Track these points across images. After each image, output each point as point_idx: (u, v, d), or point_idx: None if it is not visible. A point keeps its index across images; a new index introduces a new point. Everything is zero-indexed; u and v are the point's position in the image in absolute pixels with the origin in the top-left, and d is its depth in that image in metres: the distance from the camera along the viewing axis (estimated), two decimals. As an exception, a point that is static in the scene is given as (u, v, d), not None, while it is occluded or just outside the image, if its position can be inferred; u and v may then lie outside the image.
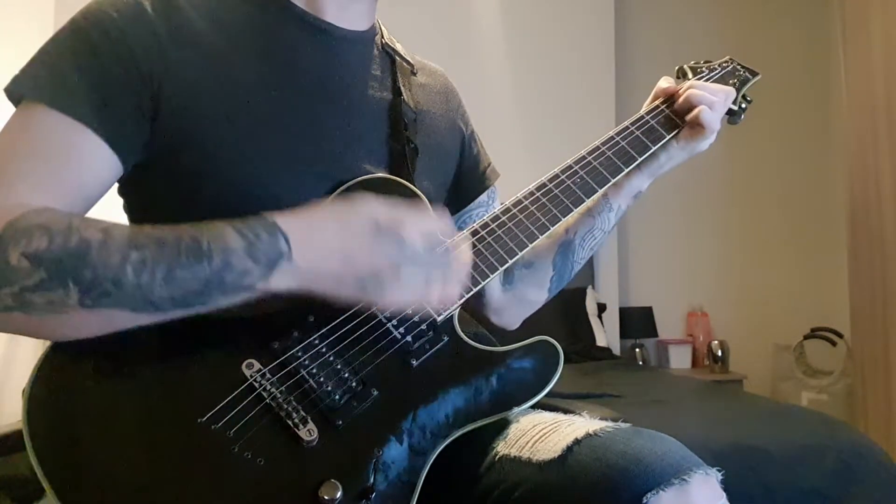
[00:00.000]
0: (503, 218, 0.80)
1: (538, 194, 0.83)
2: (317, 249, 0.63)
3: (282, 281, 0.62)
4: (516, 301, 0.98)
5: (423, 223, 0.67)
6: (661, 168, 0.93)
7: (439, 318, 0.73)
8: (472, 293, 0.75)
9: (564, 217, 0.82)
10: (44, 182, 0.65)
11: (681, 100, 0.90)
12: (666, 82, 0.95)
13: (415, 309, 0.69)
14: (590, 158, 0.86)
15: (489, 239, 0.78)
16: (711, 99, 0.88)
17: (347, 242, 0.64)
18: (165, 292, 0.59)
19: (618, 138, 0.88)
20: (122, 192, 0.77)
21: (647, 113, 0.91)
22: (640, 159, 0.87)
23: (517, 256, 0.78)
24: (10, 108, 0.69)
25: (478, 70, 3.08)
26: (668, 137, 0.89)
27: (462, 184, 0.95)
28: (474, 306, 0.98)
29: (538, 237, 0.80)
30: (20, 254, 0.57)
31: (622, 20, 3.43)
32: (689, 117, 0.90)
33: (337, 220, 0.65)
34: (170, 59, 0.70)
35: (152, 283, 0.58)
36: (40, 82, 0.67)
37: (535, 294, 0.98)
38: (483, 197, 0.98)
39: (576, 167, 0.85)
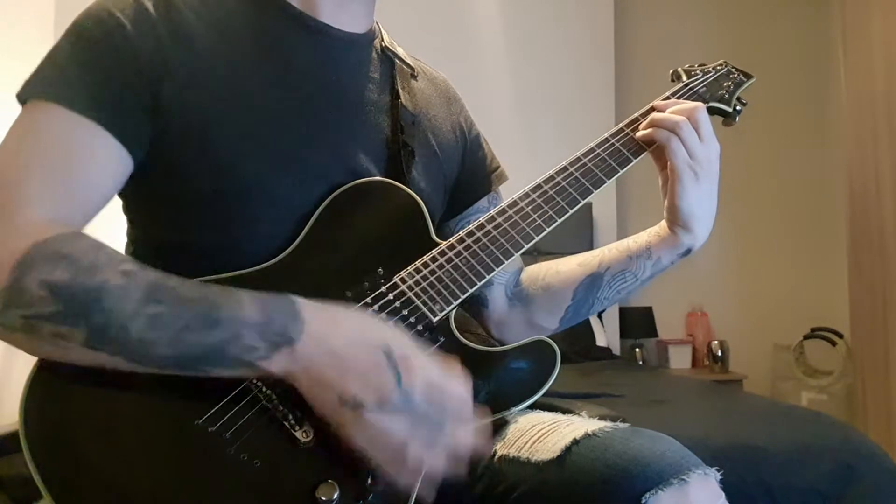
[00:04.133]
0: (499, 220, 0.80)
1: (534, 196, 0.83)
2: (322, 348, 0.60)
3: (279, 364, 0.60)
4: (524, 322, 0.94)
5: (439, 373, 0.62)
6: (684, 217, 0.86)
7: (435, 319, 0.72)
8: (469, 293, 0.75)
9: (560, 219, 0.82)
10: (60, 181, 0.65)
11: (643, 133, 0.86)
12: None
13: (379, 459, 0.60)
14: (585, 160, 0.86)
15: (484, 240, 0.78)
16: (670, 129, 0.83)
17: (352, 355, 0.60)
18: (167, 352, 0.58)
19: (612, 139, 0.88)
20: (121, 192, 0.77)
21: (643, 115, 0.91)
22: (635, 160, 0.87)
23: (512, 257, 0.78)
24: (13, 114, 0.69)
25: (477, 70, 3.08)
26: (634, 161, 0.87)
27: (462, 187, 0.95)
28: (476, 316, 0.97)
29: (534, 238, 0.80)
30: (41, 280, 0.57)
31: (622, 20, 3.43)
32: (659, 163, 0.87)
33: (354, 327, 0.62)
34: (170, 60, 0.70)
35: (157, 341, 0.58)
36: (47, 82, 0.68)
37: (546, 320, 0.93)
38: (483, 202, 0.97)
39: (571, 168, 0.85)
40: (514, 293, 0.96)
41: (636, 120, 0.90)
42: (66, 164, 0.66)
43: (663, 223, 0.90)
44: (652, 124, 0.86)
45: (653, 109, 0.89)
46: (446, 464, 0.61)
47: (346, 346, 0.61)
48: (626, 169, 0.86)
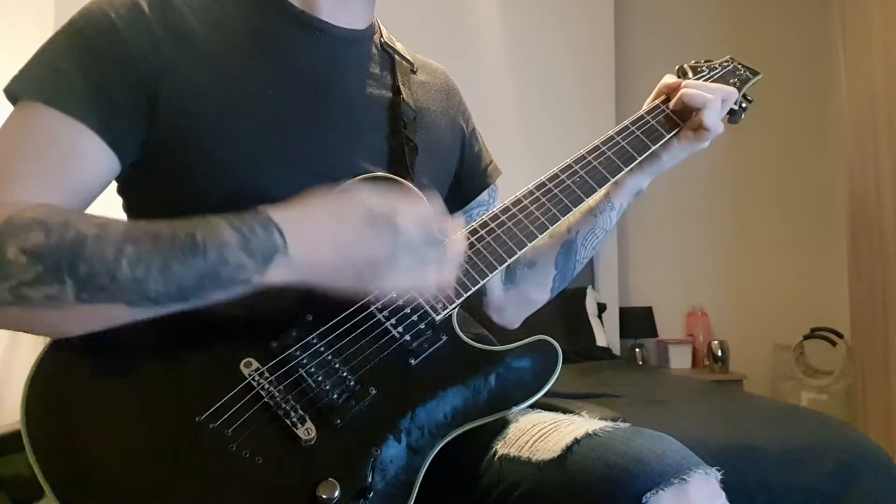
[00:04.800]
0: (503, 217, 0.80)
1: (538, 193, 0.83)
2: (312, 241, 0.63)
3: (278, 274, 0.62)
4: (518, 300, 0.99)
5: (417, 211, 0.68)
6: (662, 167, 0.93)
7: (438, 318, 0.73)
8: (471, 291, 0.75)
9: (564, 216, 0.82)
10: (42, 180, 0.65)
11: (674, 100, 0.90)
12: (671, 78, 0.94)
13: (412, 296, 0.70)
14: (590, 158, 0.86)
15: (489, 238, 0.78)
16: (706, 98, 0.87)
17: (342, 233, 0.64)
18: (161, 286, 0.59)
19: (618, 138, 0.88)
20: (121, 191, 0.77)
21: (648, 112, 0.91)
22: (639, 158, 0.87)
23: (516, 255, 0.78)
24: (8, 109, 0.69)
25: (477, 69, 3.08)
26: (667, 137, 0.89)
27: (463, 182, 0.95)
28: (475, 305, 0.97)
29: (537, 236, 0.80)
30: (18, 248, 0.57)
31: (622, 20, 3.43)
32: (690, 122, 0.89)
33: (331, 212, 0.66)
34: (167, 60, 0.70)
35: (147, 277, 0.58)
36: (38, 81, 0.68)
37: (537, 293, 0.98)
38: (484, 195, 0.98)
39: (576, 167, 0.85)
40: (506, 277, 0.98)
41: (642, 117, 0.91)
42: (51, 164, 0.66)
43: None
44: (686, 92, 0.89)
45: (658, 106, 0.92)
46: (458, 267, 0.71)
47: (332, 230, 0.64)
48: (627, 169, 0.87)
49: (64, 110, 0.66)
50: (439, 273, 0.68)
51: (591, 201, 0.94)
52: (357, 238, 0.64)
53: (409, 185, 0.79)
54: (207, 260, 0.60)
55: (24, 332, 0.63)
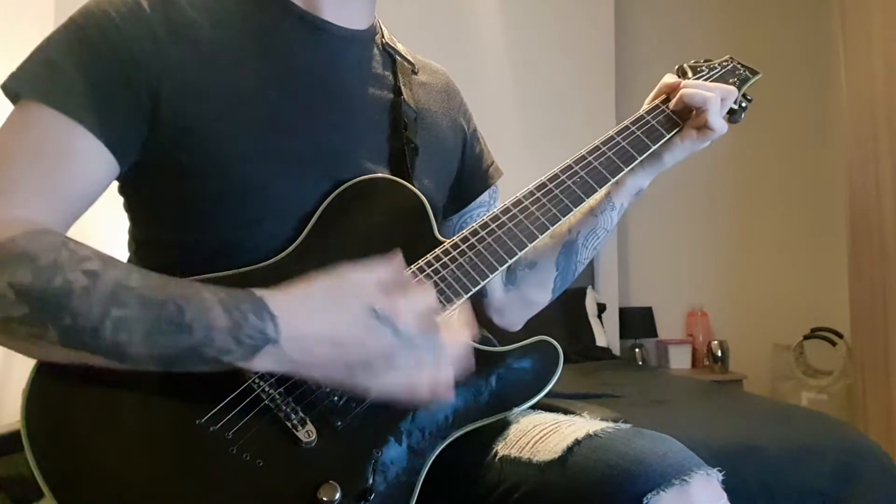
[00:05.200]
0: (503, 218, 0.80)
1: (538, 194, 0.82)
2: (306, 336, 0.60)
3: (264, 363, 0.59)
4: (520, 302, 0.98)
5: (419, 302, 0.64)
6: (662, 166, 0.93)
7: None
8: (472, 292, 0.75)
9: (564, 217, 0.82)
10: (41, 183, 0.65)
11: (674, 100, 0.90)
12: (671, 77, 0.94)
13: (405, 398, 0.63)
14: (590, 158, 0.86)
15: (489, 239, 0.78)
16: (706, 97, 0.87)
17: (340, 329, 0.60)
18: (143, 352, 0.58)
19: (618, 138, 0.88)
20: (121, 190, 0.77)
21: (648, 112, 0.91)
22: (639, 158, 0.87)
23: (517, 256, 0.78)
24: (7, 106, 0.69)
25: (477, 69, 3.08)
26: (668, 136, 0.89)
27: (463, 182, 0.95)
28: (477, 307, 0.97)
29: (538, 236, 0.80)
30: (6, 283, 0.57)
31: (622, 20, 3.43)
32: (693, 121, 0.89)
33: (330, 304, 0.62)
34: (168, 59, 0.70)
35: (129, 342, 0.57)
36: (38, 81, 0.67)
37: (539, 295, 0.98)
38: (484, 196, 0.98)
39: (576, 167, 0.85)
40: (507, 279, 0.97)
41: (642, 117, 0.91)
42: (49, 166, 0.66)
43: None
44: (686, 93, 0.89)
45: (658, 106, 0.92)
46: (456, 369, 0.65)
47: (332, 326, 0.60)
48: (627, 169, 0.87)
49: (63, 111, 0.66)
50: (436, 374, 0.63)
51: (591, 201, 0.93)
52: (355, 336, 0.60)
53: (419, 195, 0.79)
54: (193, 338, 0.58)
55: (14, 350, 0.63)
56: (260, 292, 0.61)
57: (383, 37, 0.88)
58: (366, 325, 0.61)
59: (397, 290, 0.63)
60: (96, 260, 0.59)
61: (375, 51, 0.86)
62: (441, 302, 0.72)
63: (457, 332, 0.67)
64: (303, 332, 0.60)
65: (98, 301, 0.57)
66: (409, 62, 0.90)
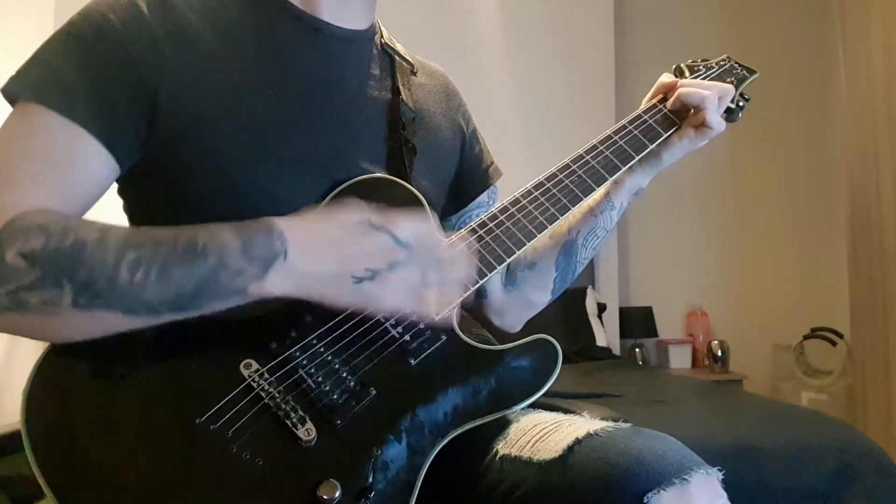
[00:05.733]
0: (501, 217, 0.80)
1: (536, 193, 0.83)
2: (312, 249, 0.63)
3: (276, 283, 0.61)
4: (519, 303, 0.98)
5: (417, 222, 0.67)
6: (661, 165, 0.93)
7: (437, 317, 0.72)
8: (470, 292, 0.75)
9: (563, 216, 0.82)
10: (41, 185, 0.65)
11: (672, 99, 0.90)
12: (668, 77, 0.94)
13: (412, 311, 0.67)
14: (588, 157, 0.86)
15: (487, 238, 0.78)
16: (704, 95, 0.87)
17: (343, 242, 0.64)
18: (159, 292, 0.59)
19: (616, 137, 0.88)
20: (121, 192, 0.77)
21: (645, 111, 0.91)
22: (637, 158, 0.88)
23: (515, 255, 0.78)
24: (6, 108, 0.69)
25: (477, 69, 3.08)
26: (665, 135, 0.90)
27: (462, 183, 0.95)
28: (475, 308, 0.97)
29: (536, 235, 0.80)
30: (16, 252, 0.57)
31: (622, 20, 3.43)
32: (691, 120, 0.89)
33: (331, 221, 0.65)
34: (166, 61, 0.70)
35: (146, 282, 0.58)
36: (38, 83, 0.67)
37: (538, 296, 0.98)
38: (483, 196, 0.98)
39: (574, 166, 0.85)
40: (506, 279, 0.97)
41: (640, 116, 0.91)
42: (49, 168, 0.66)
43: None
44: (683, 92, 0.89)
45: (656, 105, 0.92)
46: (461, 282, 0.69)
47: (332, 236, 0.64)
48: (625, 168, 0.87)
49: (63, 113, 0.66)
50: (441, 285, 0.67)
51: (590, 201, 0.93)
52: (357, 246, 0.63)
53: (417, 195, 0.79)
54: (207, 264, 0.60)
55: (22, 335, 0.63)
56: (267, 218, 0.63)
57: (382, 37, 0.88)
58: (364, 233, 0.64)
59: (392, 213, 0.66)
60: (104, 223, 0.62)
61: (374, 51, 0.86)
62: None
63: (455, 247, 0.71)
64: (308, 246, 0.63)
65: (112, 248, 0.59)
66: (408, 62, 0.90)
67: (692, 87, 0.89)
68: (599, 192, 0.92)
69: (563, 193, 0.83)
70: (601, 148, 0.87)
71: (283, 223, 0.63)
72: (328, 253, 0.63)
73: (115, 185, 0.75)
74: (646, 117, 0.90)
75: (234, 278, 0.60)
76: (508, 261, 0.78)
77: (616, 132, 0.89)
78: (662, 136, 0.89)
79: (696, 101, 0.88)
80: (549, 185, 0.84)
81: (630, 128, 0.89)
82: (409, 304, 0.65)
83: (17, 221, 0.60)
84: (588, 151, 0.87)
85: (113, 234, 0.60)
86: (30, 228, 0.59)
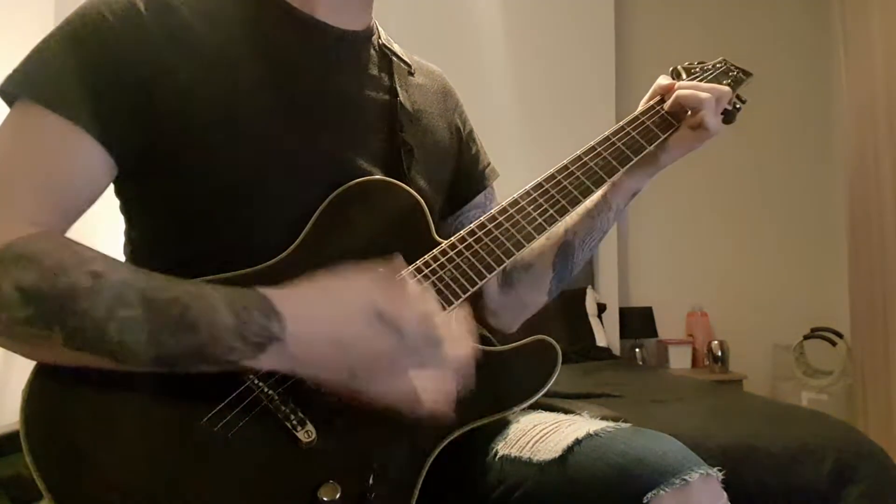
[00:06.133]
0: (500, 219, 0.80)
1: (535, 195, 0.82)
2: (311, 334, 0.60)
3: (269, 361, 0.60)
4: (515, 304, 0.97)
5: (421, 306, 0.64)
6: (658, 167, 0.93)
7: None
8: (469, 293, 0.75)
9: (561, 217, 0.82)
10: (39, 184, 0.65)
11: (669, 101, 0.90)
12: (665, 79, 0.94)
13: (406, 407, 0.63)
14: (586, 159, 0.86)
15: (486, 240, 0.78)
16: (701, 98, 0.87)
17: (343, 329, 0.61)
18: (148, 352, 0.58)
19: (614, 139, 0.88)
20: (118, 192, 0.77)
21: (643, 113, 0.91)
22: (635, 159, 0.87)
23: (514, 257, 0.78)
24: (4, 107, 0.69)
25: (477, 69, 3.08)
26: (663, 137, 0.90)
27: (459, 184, 0.95)
28: (472, 309, 0.97)
29: (535, 237, 0.80)
30: (12, 284, 0.57)
31: (622, 20, 3.43)
32: (689, 122, 0.89)
33: (335, 304, 0.62)
34: (164, 61, 0.70)
35: (136, 343, 0.57)
36: (34, 82, 0.67)
37: (535, 297, 0.97)
38: (480, 198, 0.97)
39: (572, 168, 0.85)
40: (503, 280, 0.96)
41: (638, 118, 0.91)
42: (48, 168, 0.66)
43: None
44: (681, 93, 0.89)
45: (654, 107, 0.91)
46: (458, 380, 0.65)
47: (336, 326, 0.61)
48: (623, 170, 0.87)
49: (59, 112, 0.66)
50: (439, 384, 0.63)
51: (588, 203, 0.93)
52: (358, 337, 0.61)
53: (415, 196, 0.78)
54: (198, 337, 0.58)
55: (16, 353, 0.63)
56: (264, 291, 0.61)
57: (380, 38, 0.88)
58: (369, 326, 0.61)
59: (399, 294, 0.63)
60: (100, 261, 0.60)
61: (372, 52, 0.86)
62: (440, 303, 0.72)
63: (460, 342, 0.66)
64: (307, 330, 0.60)
65: (104, 302, 0.57)
66: (405, 63, 0.89)
67: (690, 90, 0.89)
68: (597, 194, 0.92)
69: (562, 195, 0.83)
70: (599, 150, 0.87)
71: (281, 301, 0.60)
72: (327, 339, 0.60)
73: (111, 185, 0.75)
74: (643, 119, 0.90)
75: (226, 354, 0.58)
76: (508, 262, 0.77)
77: (614, 134, 0.89)
78: (660, 137, 0.89)
79: (694, 104, 0.88)
80: (547, 186, 0.83)
81: (628, 129, 0.89)
82: (403, 402, 0.62)
83: (14, 248, 0.59)
84: (586, 153, 0.87)
85: (105, 281, 0.58)
86: (24, 259, 0.58)
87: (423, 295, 0.65)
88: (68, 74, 0.67)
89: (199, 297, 0.59)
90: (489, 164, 1.00)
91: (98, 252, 0.61)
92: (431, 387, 0.63)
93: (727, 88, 0.92)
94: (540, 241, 0.88)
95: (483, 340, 0.76)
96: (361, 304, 0.61)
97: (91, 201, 0.70)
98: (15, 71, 0.68)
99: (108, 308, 0.57)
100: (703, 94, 0.87)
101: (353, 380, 0.61)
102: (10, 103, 0.69)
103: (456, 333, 0.67)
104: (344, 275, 0.63)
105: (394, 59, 0.87)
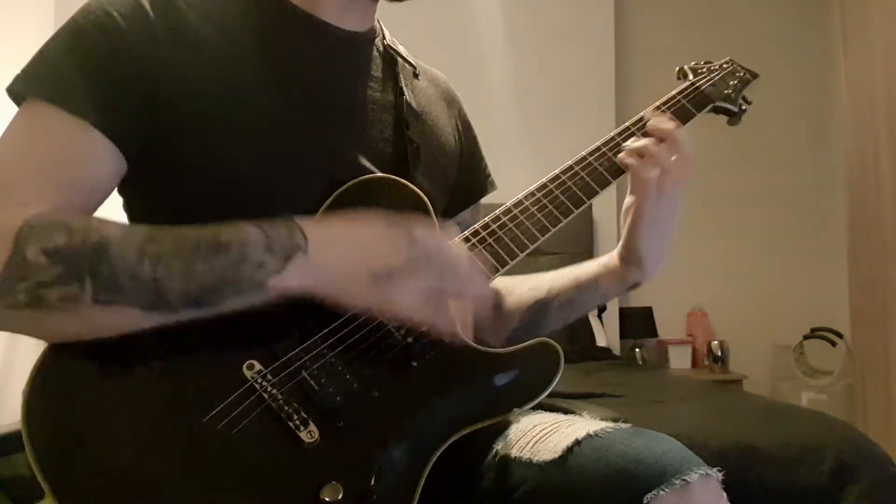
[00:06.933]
0: (504, 219, 0.80)
1: (539, 195, 0.82)
2: (332, 247, 0.64)
3: (296, 276, 0.62)
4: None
5: (435, 232, 0.67)
6: (640, 250, 0.87)
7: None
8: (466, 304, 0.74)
9: (566, 219, 0.82)
10: (51, 181, 0.65)
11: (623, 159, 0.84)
12: (665, 123, 0.86)
13: (426, 320, 0.66)
14: (591, 159, 0.86)
15: (490, 240, 0.78)
16: (656, 160, 0.81)
17: (361, 239, 0.65)
18: (180, 287, 0.59)
19: (619, 139, 0.88)
20: (121, 190, 0.77)
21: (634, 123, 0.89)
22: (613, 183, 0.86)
23: (519, 258, 0.78)
24: (10, 109, 0.69)
25: (478, 70, 3.08)
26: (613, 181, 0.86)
27: (458, 189, 0.94)
28: None
29: (539, 238, 0.80)
30: (38, 249, 0.58)
31: (622, 20, 3.43)
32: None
33: (352, 222, 0.67)
34: (168, 60, 0.70)
35: (168, 276, 0.59)
36: (42, 81, 0.68)
37: (490, 338, 0.85)
38: (465, 214, 0.95)
39: (577, 168, 0.85)
40: None
41: (627, 129, 0.88)
42: (59, 165, 0.66)
43: (614, 254, 0.90)
44: (638, 153, 0.83)
45: (642, 119, 0.88)
46: (472, 305, 0.69)
47: (351, 234, 0.65)
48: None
49: (69, 109, 0.66)
50: (458, 286, 0.66)
51: (580, 274, 0.91)
52: (376, 238, 0.65)
53: (420, 195, 0.78)
54: (229, 257, 0.61)
55: (30, 335, 0.63)
56: (288, 217, 0.65)
57: (385, 39, 0.88)
58: (384, 235, 0.65)
59: (411, 218, 0.67)
60: (125, 223, 0.63)
61: (376, 53, 0.86)
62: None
63: (476, 273, 0.70)
64: (328, 234, 0.65)
65: (135, 244, 0.59)
66: (410, 64, 0.90)
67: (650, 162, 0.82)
68: (592, 268, 0.90)
69: (567, 195, 0.82)
70: (604, 150, 0.86)
71: (305, 221, 0.65)
72: (347, 250, 0.64)
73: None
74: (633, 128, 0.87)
75: (255, 271, 0.61)
76: (511, 264, 0.77)
77: (619, 135, 0.87)
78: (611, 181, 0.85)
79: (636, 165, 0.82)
80: (551, 186, 0.82)
81: (633, 129, 0.87)
82: (424, 312, 0.65)
83: (39, 219, 0.60)
84: (591, 153, 0.85)
85: (135, 230, 0.61)
86: (52, 225, 0.60)
87: (431, 225, 0.69)
88: (75, 71, 0.67)
89: (225, 224, 0.63)
90: (489, 176, 1.00)
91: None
92: (452, 287, 0.66)
93: (681, 135, 0.84)
94: (522, 289, 0.89)
95: (486, 343, 0.76)
96: (375, 219, 0.67)
97: (103, 197, 0.70)
98: (23, 71, 0.69)
99: (140, 248, 0.59)
100: (658, 157, 0.81)
101: (375, 286, 0.63)
102: (18, 103, 0.69)
103: (473, 267, 0.70)
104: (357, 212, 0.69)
105: (399, 59, 0.87)
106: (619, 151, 0.86)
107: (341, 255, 0.64)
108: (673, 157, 0.82)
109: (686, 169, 0.83)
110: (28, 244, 0.58)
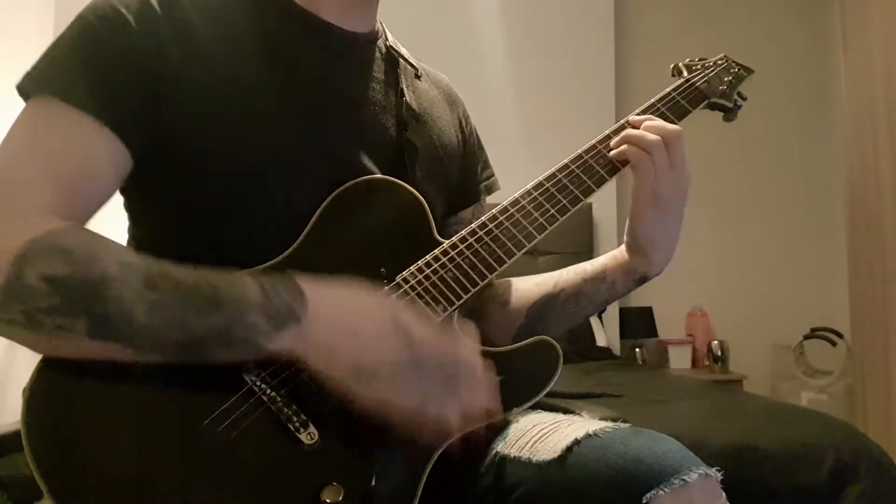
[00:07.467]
0: (501, 218, 0.80)
1: (536, 194, 0.82)
2: (330, 320, 0.62)
3: (285, 342, 0.60)
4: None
5: (452, 343, 0.64)
6: (645, 235, 0.85)
7: (438, 320, 0.71)
8: (471, 294, 0.74)
9: (563, 216, 0.81)
10: (59, 178, 0.65)
11: (616, 151, 0.84)
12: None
13: (397, 421, 0.62)
14: (587, 157, 0.86)
15: (487, 239, 0.78)
16: (644, 149, 0.81)
17: (362, 324, 0.62)
18: (172, 336, 0.58)
19: (614, 136, 0.88)
20: (122, 189, 0.77)
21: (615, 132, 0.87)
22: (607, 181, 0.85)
23: (516, 256, 0.78)
24: (15, 108, 0.69)
25: (477, 70, 3.08)
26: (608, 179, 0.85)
27: (459, 191, 0.94)
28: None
29: (536, 237, 0.79)
30: (40, 276, 0.57)
31: (622, 20, 3.43)
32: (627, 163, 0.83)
33: (359, 302, 0.64)
34: (172, 59, 0.70)
35: (162, 325, 0.58)
36: (50, 77, 0.68)
37: (494, 334, 0.90)
38: (466, 213, 0.95)
39: (573, 166, 0.85)
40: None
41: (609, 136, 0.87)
42: (67, 162, 0.66)
43: (622, 247, 0.89)
44: (625, 141, 0.83)
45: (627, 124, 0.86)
46: (461, 421, 0.63)
47: (352, 317, 0.62)
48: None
49: (75, 104, 0.66)
50: (443, 412, 0.63)
51: (589, 268, 0.90)
52: (374, 336, 0.62)
53: (418, 197, 0.78)
54: (223, 315, 0.59)
55: (28, 348, 0.63)
56: (292, 272, 0.63)
57: (387, 40, 0.88)
58: (387, 330, 0.62)
59: (428, 318, 0.64)
60: (129, 253, 0.62)
61: (377, 54, 0.86)
62: (442, 303, 0.72)
63: (480, 389, 0.65)
64: (327, 315, 0.62)
65: (133, 286, 0.58)
66: (412, 66, 0.90)
67: (638, 136, 0.82)
68: (601, 260, 0.89)
69: (564, 194, 0.82)
70: (599, 148, 0.86)
71: (310, 287, 0.62)
72: (344, 336, 0.62)
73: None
74: (586, 157, 0.85)
75: (247, 332, 0.59)
76: (509, 262, 0.77)
77: (615, 131, 0.87)
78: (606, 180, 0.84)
79: (633, 158, 0.82)
80: (548, 185, 0.82)
81: (600, 147, 0.86)
82: (397, 416, 0.62)
83: (43, 240, 0.59)
84: (587, 151, 0.85)
85: (135, 269, 0.59)
86: (54, 251, 0.59)
87: (453, 334, 0.65)
88: (82, 67, 0.67)
89: (227, 275, 0.61)
90: (491, 176, 0.99)
91: (124, 245, 0.63)
92: (434, 412, 0.62)
93: (677, 129, 0.83)
94: (528, 285, 0.88)
95: (484, 341, 0.76)
96: (383, 305, 0.64)
97: (109, 195, 0.70)
98: (32, 67, 0.69)
99: (138, 292, 0.58)
100: (646, 138, 0.81)
101: (355, 379, 0.61)
102: (26, 99, 0.69)
103: (485, 378, 0.66)
104: (377, 292, 0.66)
105: (400, 60, 0.87)
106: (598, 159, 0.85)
107: (336, 338, 0.61)
108: (656, 136, 0.81)
109: (678, 139, 0.82)
110: (28, 267, 0.58)
